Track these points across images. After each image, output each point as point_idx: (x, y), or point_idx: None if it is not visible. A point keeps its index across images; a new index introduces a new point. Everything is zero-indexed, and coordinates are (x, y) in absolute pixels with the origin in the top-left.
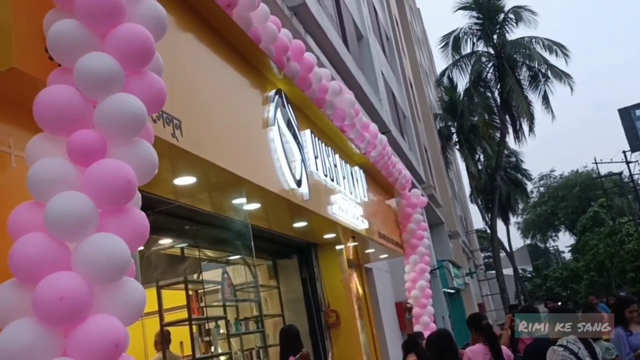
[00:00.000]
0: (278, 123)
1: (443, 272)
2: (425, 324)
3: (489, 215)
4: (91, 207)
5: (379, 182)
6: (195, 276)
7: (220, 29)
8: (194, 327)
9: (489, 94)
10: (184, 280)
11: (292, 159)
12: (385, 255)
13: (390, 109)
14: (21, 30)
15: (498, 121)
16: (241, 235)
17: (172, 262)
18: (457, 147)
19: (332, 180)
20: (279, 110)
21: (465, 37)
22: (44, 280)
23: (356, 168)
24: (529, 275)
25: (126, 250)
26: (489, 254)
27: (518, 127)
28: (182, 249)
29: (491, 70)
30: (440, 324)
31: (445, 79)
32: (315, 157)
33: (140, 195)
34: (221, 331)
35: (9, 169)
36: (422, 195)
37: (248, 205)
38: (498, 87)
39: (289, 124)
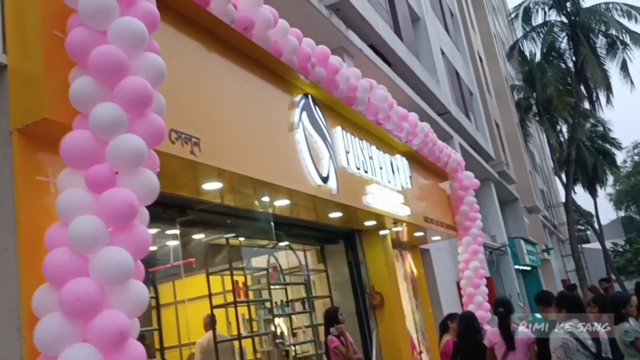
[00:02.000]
0: (303, 125)
1: (514, 249)
2: (478, 303)
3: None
4: (102, 227)
5: (428, 167)
6: (245, 263)
7: (240, 48)
8: (244, 309)
9: (562, 65)
10: (229, 267)
11: (320, 157)
12: (438, 237)
13: (452, 89)
14: (51, 84)
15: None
16: (267, 225)
17: (218, 251)
18: (537, 118)
19: (366, 172)
20: (304, 113)
21: (537, 7)
22: (67, 284)
23: (398, 157)
24: (621, 250)
25: (130, 260)
26: (580, 227)
27: (595, 97)
28: (227, 239)
29: (564, 41)
30: (514, 300)
31: (516, 53)
32: (347, 152)
33: (147, 212)
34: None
35: (49, 194)
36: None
37: (278, 202)
38: (572, 57)
39: (316, 125)
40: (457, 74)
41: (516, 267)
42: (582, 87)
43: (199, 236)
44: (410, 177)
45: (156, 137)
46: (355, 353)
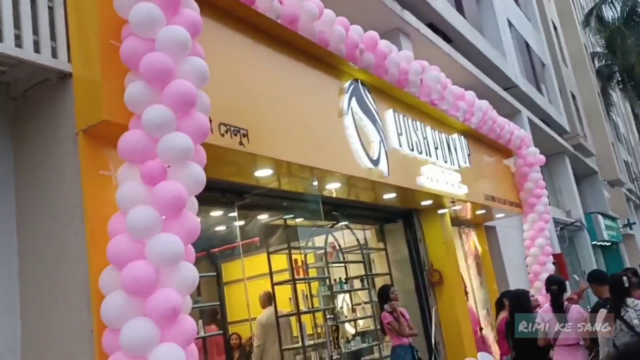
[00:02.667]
0: (352, 110)
1: (591, 224)
2: (544, 280)
3: None
4: (156, 216)
5: (490, 144)
6: (305, 242)
7: (287, 40)
8: (303, 286)
9: None
10: (288, 247)
11: (370, 141)
12: (502, 215)
13: (521, 61)
14: (109, 89)
15: None
16: (318, 207)
17: (277, 231)
18: (620, 87)
19: (420, 152)
20: (354, 99)
21: None
22: (126, 267)
23: (455, 136)
24: None
25: (180, 245)
26: None
27: None
28: (285, 220)
29: None
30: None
31: (593, 19)
32: (399, 134)
33: (196, 202)
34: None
35: (111, 186)
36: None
37: (330, 185)
38: None
39: (365, 109)
40: (527, 45)
41: (594, 242)
42: None
43: (257, 218)
44: (468, 155)
45: (201, 134)
46: (411, 329)
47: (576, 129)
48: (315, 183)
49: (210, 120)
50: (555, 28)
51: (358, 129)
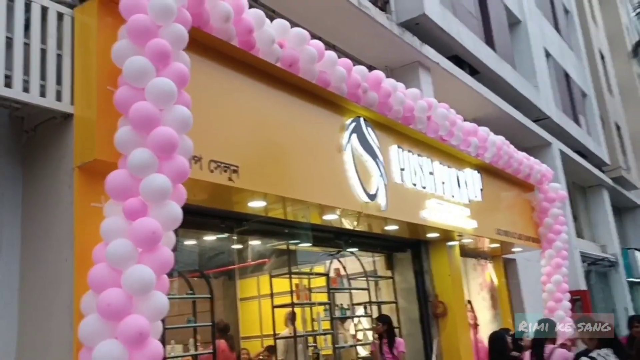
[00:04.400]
0: (352, 146)
1: (627, 261)
2: (560, 318)
3: None
4: (133, 248)
5: (509, 179)
6: (307, 268)
7: (287, 81)
8: (304, 310)
9: None
10: (289, 272)
11: (370, 176)
12: (519, 249)
13: (557, 92)
14: (102, 131)
15: None
16: (305, 233)
17: (278, 256)
18: None
19: (424, 187)
20: (354, 135)
21: None
22: (102, 293)
23: (467, 170)
24: None
25: (152, 276)
26: None
27: None
28: (287, 245)
29: None
30: (621, 315)
31: None
32: (402, 169)
33: (174, 236)
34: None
35: (101, 217)
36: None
37: (328, 216)
38: None
39: (366, 145)
40: (567, 75)
41: (630, 279)
42: None
43: (256, 242)
44: (481, 189)
45: (181, 175)
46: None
47: (617, 161)
48: (324, 214)
49: (201, 158)
50: (602, 57)
51: (357, 164)
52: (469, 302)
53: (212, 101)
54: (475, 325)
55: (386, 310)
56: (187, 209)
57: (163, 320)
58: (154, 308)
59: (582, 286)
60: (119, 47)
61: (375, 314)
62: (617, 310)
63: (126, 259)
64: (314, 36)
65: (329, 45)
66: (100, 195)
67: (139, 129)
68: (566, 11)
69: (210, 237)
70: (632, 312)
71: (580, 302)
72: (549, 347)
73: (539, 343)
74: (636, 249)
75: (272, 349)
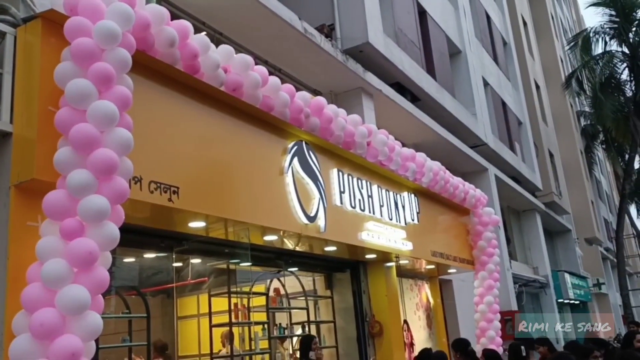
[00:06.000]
0: (293, 169)
1: (557, 283)
2: (490, 338)
3: None
4: (68, 268)
5: (446, 203)
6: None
7: (230, 104)
8: (242, 329)
9: (621, 98)
10: (228, 291)
11: (311, 198)
12: (454, 270)
13: (494, 120)
14: (42, 151)
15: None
16: (245, 253)
17: (221, 275)
18: (604, 146)
19: (362, 210)
20: (295, 159)
21: (597, 36)
22: (35, 313)
23: (405, 194)
24: None
25: (87, 296)
26: None
27: None
28: (227, 264)
29: (625, 72)
30: (551, 335)
31: (573, 82)
32: (341, 192)
33: (110, 256)
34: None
35: (37, 237)
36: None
37: (268, 237)
38: (632, 89)
39: (307, 168)
40: (504, 103)
41: (560, 300)
42: None
43: (196, 261)
44: (417, 213)
45: (120, 196)
46: None
47: (550, 186)
48: (266, 235)
49: (141, 179)
50: (537, 87)
51: (298, 186)
52: (405, 321)
53: (155, 122)
54: (411, 345)
55: (324, 329)
56: (126, 228)
57: (97, 340)
58: (87, 328)
59: (514, 306)
60: (61, 69)
61: (314, 333)
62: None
63: (61, 279)
64: (261, 60)
65: (276, 70)
66: (37, 214)
67: (78, 149)
68: (504, 43)
69: (149, 256)
70: (561, 332)
71: (511, 322)
72: None
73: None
74: (566, 271)
75: None
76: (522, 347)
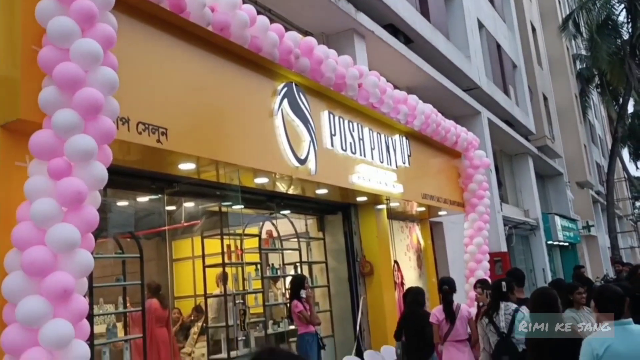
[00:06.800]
0: (283, 111)
1: (547, 225)
2: (479, 277)
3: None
4: (57, 207)
5: (437, 146)
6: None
7: (218, 45)
8: (236, 269)
9: (617, 40)
10: (221, 233)
11: (301, 141)
12: (444, 213)
13: (489, 63)
14: (27, 91)
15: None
16: (237, 195)
17: (213, 217)
18: (599, 90)
19: (354, 152)
20: (285, 100)
21: None
22: (27, 250)
23: (396, 137)
24: None
25: (77, 234)
26: None
27: None
28: (219, 207)
29: (622, 13)
30: (539, 276)
31: (570, 24)
32: (332, 135)
33: (99, 196)
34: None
35: (25, 176)
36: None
37: (259, 179)
38: (629, 31)
39: (298, 110)
40: (499, 46)
41: (549, 242)
42: (636, 64)
43: (188, 204)
44: (409, 156)
45: (107, 136)
46: (316, 319)
47: (543, 130)
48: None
49: (129, 119)
50: (534, 29)
51: (288, 128)
52: (396, 262)
53: (141, 63)
54: (402, 284)
55: (316, 269)
56: (117, 170)
57: (91, 279)
58: (79, 265)
59: (504, 248)
60: (42, 7)
61: (306, 274)
62: (535, 270)
63: (51, 218)
64: (250, 0)
65: (266, 10)
66: (25, 154)
67: (63, 89)
68: None
69: (142, 199)
70: (549, 272)
71: (501, 263)
72: (456, 303)
73: (448, 299)
74: (556, 214)
75: (199, 309)
76: (503, 284)
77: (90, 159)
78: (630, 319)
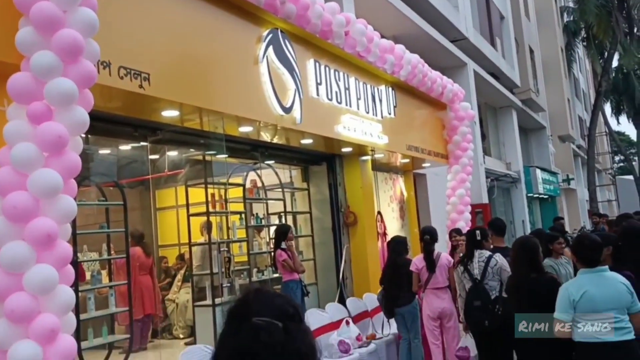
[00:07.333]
0: (269, 59)
1: (528, 178)
2: (461, 228)
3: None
4: (38, 152)
5: (423, 97)
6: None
7: None
8: (220, 218)
9: None
10: (204, 182)
11: (287, 89)
12: (428, 164)
13: (477, 13)
14: (2, 31)
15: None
16: (220, 144)
17: (197, 166)
18: (585, 43)
19: (339, 102)
20: (270, 47)
21: None
22: (8, 196)
23: (382, 87)
24: None
25: (58, 180)
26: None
27: (637, 30)
28: (203, 155)
29: None
30: (519, 227)
31: None
32: (318, 84)
33: (81, 141)
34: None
35: (4, 120)
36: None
37: (244, 128)
38: None
39: (283, 58)
40: None
41: (530, 195)
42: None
43: (172, 153)
44: (394, 107)
45: (87, 80)
46: (300, 266)
47: (528, 83)
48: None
49: (110, 64)
50: None
51: (273, 77)
52: (379, 213)
53: (122, 5)
54: (384, 234)
55: (301, 219)
56: (99, 116)
57: (74, 227)
58: (61, 211)
59: (485, 200)
60: None
61: (290, 223)
62: (514, 221)
63: (31, 163)
64: None
65: None
66: (4, 98)
67: (41, 30)
68: None
69: (124, 147)
70: (529, 224)
71: (482, 215)
72: (436, 252)
73: (429, 249)
74: (537, 167)
75: (182, 257)
76: (477, 232)
77: (71, 102)
78: (607, 266)
